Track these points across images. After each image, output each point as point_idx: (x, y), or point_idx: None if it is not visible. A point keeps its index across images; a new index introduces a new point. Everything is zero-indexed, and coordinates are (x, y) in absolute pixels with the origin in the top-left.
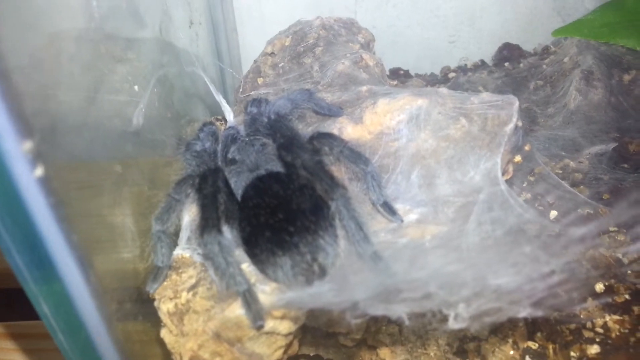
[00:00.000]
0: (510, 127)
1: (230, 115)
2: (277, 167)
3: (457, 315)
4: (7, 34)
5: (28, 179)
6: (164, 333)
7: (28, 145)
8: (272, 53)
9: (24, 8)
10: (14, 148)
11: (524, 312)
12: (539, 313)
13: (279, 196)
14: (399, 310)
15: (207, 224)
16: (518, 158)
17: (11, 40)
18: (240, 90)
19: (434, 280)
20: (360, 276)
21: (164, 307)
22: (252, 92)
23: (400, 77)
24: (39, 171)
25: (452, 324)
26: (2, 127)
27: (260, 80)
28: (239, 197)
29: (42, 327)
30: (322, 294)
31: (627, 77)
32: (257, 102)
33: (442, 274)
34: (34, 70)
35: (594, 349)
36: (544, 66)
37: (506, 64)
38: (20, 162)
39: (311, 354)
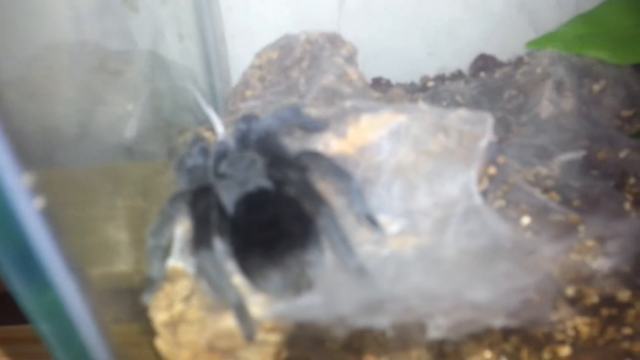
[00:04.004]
0: (484, 142)
1: (220, 128)
2: (266, 183)
3: (437, 325)
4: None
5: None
6: (159, 343)
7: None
8: (260, 66)
9: (15, 22)
10: None
11: (499, 322)
12: (514, 323)
13: (269, 212)
14: (382, 322)
15: (201, 240)
16: (492, 170)
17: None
18: (230, 102)
19: (414, 293)
20: (346, 289)
21: (159, 318)
22: (241, 104)
23: (381, 86)
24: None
25: (432, 334)
26: None
27: (248, 93)
28: (230, 211)
29: (29, 331)
30: (310, 306)
31: (596, 87)
32: (247, 119)
33: (423, 288)
34: (26, 84)
35: (565, 351)
36: (518, 76)
37: (482, 73)
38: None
39: (298, 356)
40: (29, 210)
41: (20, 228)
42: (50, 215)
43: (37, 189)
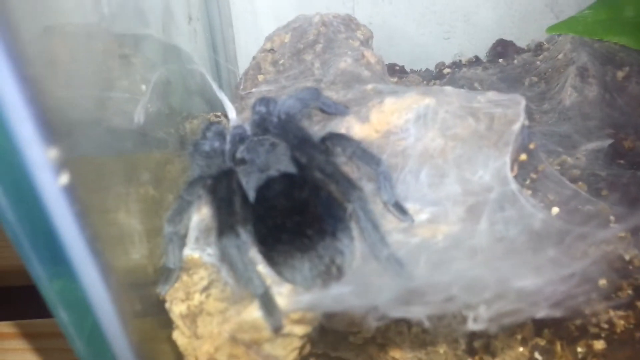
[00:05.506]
0: (517, 126)
1: (232, 113)
2: (289, 167)
3: (477, 316)
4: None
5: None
6: (176, 335)
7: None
8: (272, 49)
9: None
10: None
11: (542, 313)
12: (556, 313)
13: (294, 198)
14: (419, 313)
15: (224, 227)
16: (523, 156)
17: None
18: (241, 87)
19: (456, 283)
20: (381, 279)
21: (176, 309)
22: (253, 89)
23: (396, 72)
24: (63, 179)
25: (472, 325)
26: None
27: (260, 77)
28: (251, 198)
29: (53, 325)
30: (342, 296)
31: (620, 74)
32: (265, 101)
33: (464, 277)
34: (47, 65)
35: (599, 345)
36: (538, 62)
37: (500, 60)
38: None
39: (319, 352)
40: (52, 187)
41: (42, 205)
42: (73, 193)
43: (62, 165)
